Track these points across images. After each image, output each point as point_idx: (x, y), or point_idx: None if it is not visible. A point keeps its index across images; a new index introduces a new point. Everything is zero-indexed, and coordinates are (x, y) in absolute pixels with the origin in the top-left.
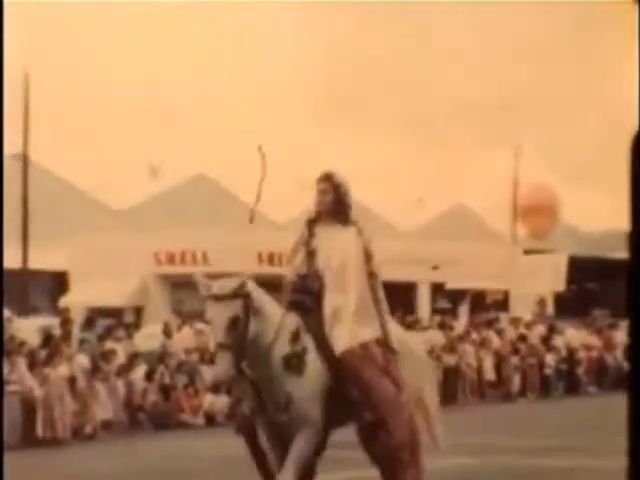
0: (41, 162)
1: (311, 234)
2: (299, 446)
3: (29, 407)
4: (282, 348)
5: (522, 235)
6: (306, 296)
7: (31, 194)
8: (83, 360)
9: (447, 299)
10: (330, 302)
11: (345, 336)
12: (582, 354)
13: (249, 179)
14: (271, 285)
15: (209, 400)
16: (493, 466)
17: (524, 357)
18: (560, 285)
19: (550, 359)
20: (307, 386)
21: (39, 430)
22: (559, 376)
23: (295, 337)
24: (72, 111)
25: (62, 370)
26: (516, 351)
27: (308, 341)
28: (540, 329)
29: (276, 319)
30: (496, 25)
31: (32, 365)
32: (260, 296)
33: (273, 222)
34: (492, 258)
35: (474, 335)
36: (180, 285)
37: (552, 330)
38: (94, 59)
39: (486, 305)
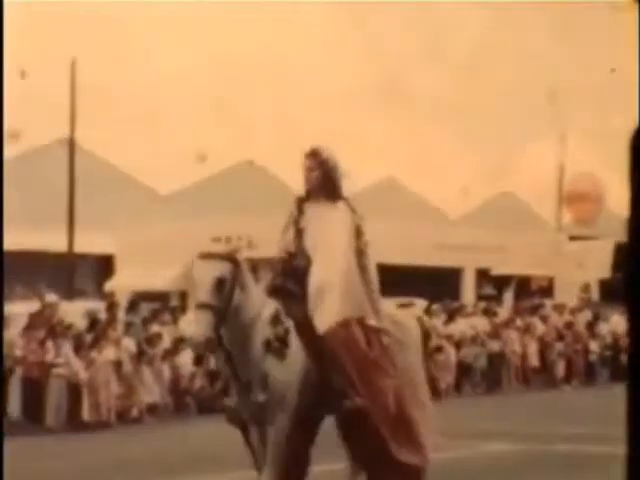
0: (88, 147)
1: (300, 212)
2: (275, 441)
3: (75, 390)
4: (263, 330)
5: (567, 222)
6: (289, 279)
7: (78, 178)
8: (129, 344)
9: (492, 285)
10: (316, 281)
11: (328, 315)
12: (627, 341)
13: (296, 166)
14: None
15: None
16: (537, 453)
17: (569, 343)
18: (606, 272)
19: (595, 346)
20: (287, 369)
21: (85, 414)
22: (604, 363)
23: (275, 320)
24: (119, 96)
25: (108, 354)
26: (561, 337)
27: (290, 323)
28: (585, 315)
29: (258, 300)
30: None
31: (78, 349)
32: (247, 272)
33: None
34: (537, 245)
35: (519, 321)
36: None
37: (597, 317)
38: (141, 44)
39: (531, 291)
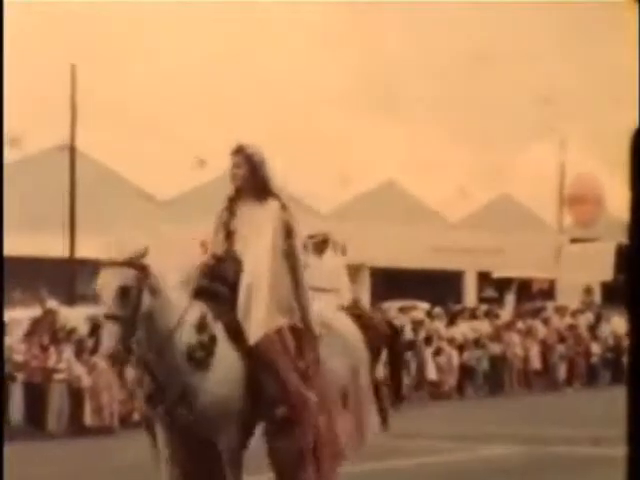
0: (88, 153)
1: (231, 213)
2: (228, 451)
3: (77, 395)
4: (186, 337)
5: (568, 224)
6: (218, 282)
7: (78, 184)
8: None
9: (493, 288)
10: (245, 286)
11: (258, 322)
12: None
13: (295, 169)
14: None
15: None
16: (539, 455)
17: (570, 346)
18: (607, 274)
19: (596, 348)
20: (216, 379)
21: (87, 418)
22: (605, 365)
23: (201, 326)
24: (118, 102)
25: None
26: (562, 340)
27: (218, 331)
28: (586, 318)
29: (180, 305)
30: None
31: (79, 354)
32: (161, 276)
33: (317, 213)
34: (538, 247)
35: (520, 324)
36: None
37: (599, 319)
38: (141, 48)
39: (532, 294)
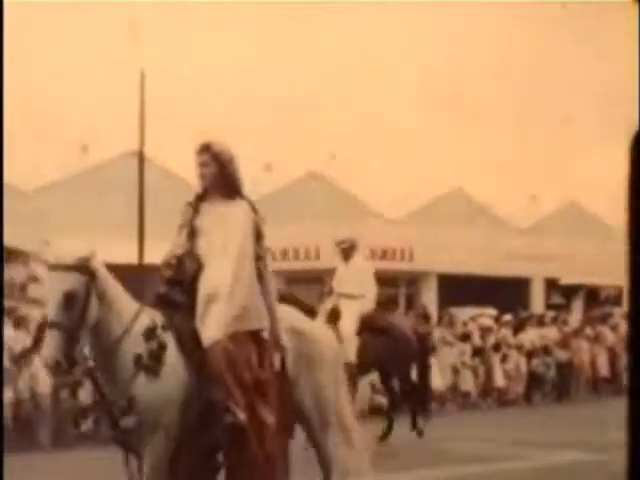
0: (157, 159)
1: (196, 210)
2: (152, 466)
3: None
4: (133, 346)
5: None
6: (175, 287)
7: (147, 191)
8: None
9: (561, 294)
10: (205, 288)
11: (215, 326)
12: None
13: (362, 175)
14: (384, 280)
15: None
16: (609, 462)
17: None
18: None
19: None
20: (160, 388)
21: None
22: None
23: (150, 334)
24: (187, 108)
25: None
26: None
27: (169, 338)
28: None
29: (128, 312)
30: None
31: None
32: (109, 281)
33: (386, 218)
34: (606, 253)
35: (588, 331)
36: (294, 280)
37: None
38: (208, 54)
39: (600, 300)
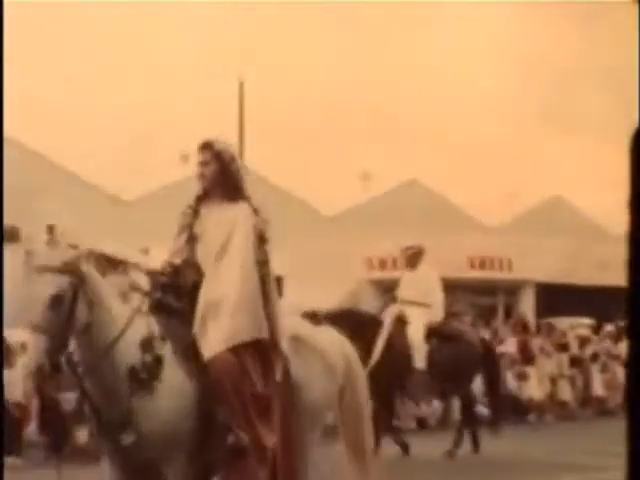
0: (255, 168)
1: (196, 214)
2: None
3: None
4: (128, 356)
5: None
6: (172, 295)
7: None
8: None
9: None
10: (205, 297)
11: (216, 338)
12: None
13: (461, 184)
14: (482, 289)
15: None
16: None
17: None
18: None
19: None
20: (162, 404)
21: None
22: None
23: (146, 344)
24: (284, 117)
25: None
26: None
27: (167, 349)
28: None
29: (121, 317)
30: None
31: None
32: (100, 285)
33: (485, 227)
34: None
35: None
36: (392, 290)
37: None
38: (305, 63)
39: None
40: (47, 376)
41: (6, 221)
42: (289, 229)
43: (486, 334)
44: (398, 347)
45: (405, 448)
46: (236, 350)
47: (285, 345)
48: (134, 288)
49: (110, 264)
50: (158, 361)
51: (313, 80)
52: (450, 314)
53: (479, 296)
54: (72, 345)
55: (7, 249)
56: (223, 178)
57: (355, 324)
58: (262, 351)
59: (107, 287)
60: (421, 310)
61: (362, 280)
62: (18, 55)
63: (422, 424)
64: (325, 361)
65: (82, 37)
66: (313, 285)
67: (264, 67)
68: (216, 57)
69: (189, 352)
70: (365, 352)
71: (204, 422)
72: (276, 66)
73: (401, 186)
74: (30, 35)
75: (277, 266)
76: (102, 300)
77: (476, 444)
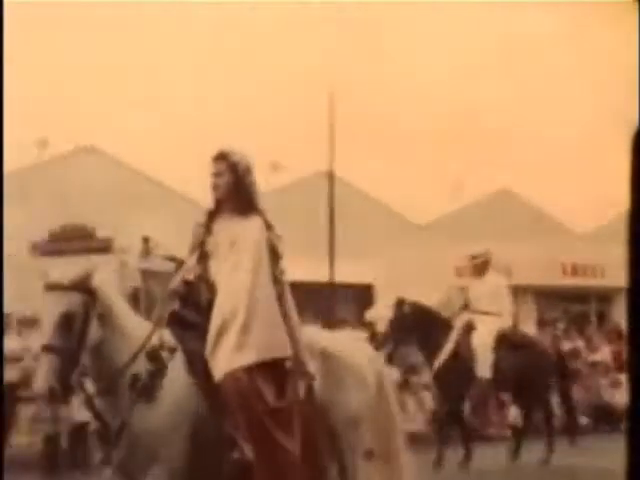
0: (346, 178)
1: (208, 230)
2: None
3: None
4: (135, 367)
5: None
6: (190, 308)
7: (337, 209)
8: (392, 373)
9: None
10: (217, 315)
11: (227, 357)
12: None
13: (552, 191)
14: (575, 297)
15: (513, 413)
16: None
17: None
18: None
19: None
20: (160, 414)
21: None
22: None
23: (153, 354)
24: (375, 127)
25: None
26: None
27: (175, 361)
28: None
29: (137, 334)
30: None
31: None
32: (113, 301)
33: (577, 234)
34: None
35: None
36: None
37: None
38: (396, 74)
39: None
40: (59, 398)
41: (101, 233)
42: (380, 238)
43: (579, 342)
44: (463, 354)
45: (468, 457)
46: (250, 370)
47: (309, 361)
48: None
49: None
50: (161, 369)
51: (404, 90)
52: (543, 321)
53: (571, 303)
54: (84, 365)
55: (100, 259)
56: (237, 190)
57: (426, 323)
58: (278, 370)
59: (121, 302)
60: (490, 318)
61: (453, 288)
62: (120, 78)
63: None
64: (351, 374)
65: (176, 56)
66: (404, 293)
67: (354, 77)
68: (306, 68)
69: (202, 367)
70: (431, 353)
71: (198, 442)
72: (366, 75)
73: (493, 194)
74: (123, 55)
75: (368, 274)
76: (115, 316)
77: (549, 453)
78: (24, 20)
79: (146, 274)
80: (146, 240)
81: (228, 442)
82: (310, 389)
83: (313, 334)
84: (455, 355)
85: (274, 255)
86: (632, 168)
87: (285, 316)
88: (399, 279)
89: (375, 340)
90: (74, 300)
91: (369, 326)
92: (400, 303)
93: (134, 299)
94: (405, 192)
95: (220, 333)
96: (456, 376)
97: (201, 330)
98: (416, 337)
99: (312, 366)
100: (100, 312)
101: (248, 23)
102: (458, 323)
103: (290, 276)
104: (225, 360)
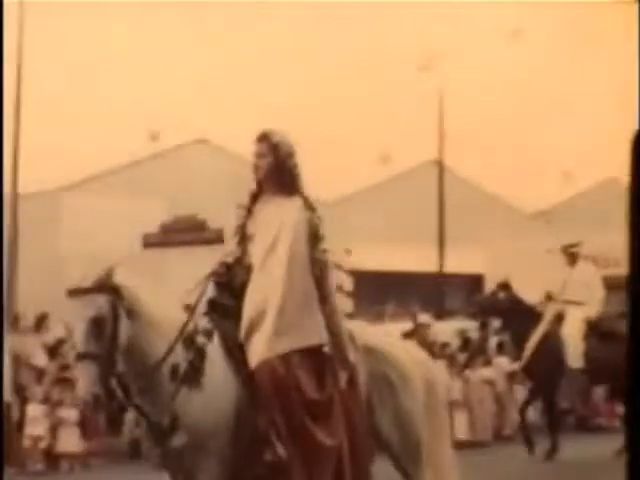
0: (456, 168)
1: (250, 212)
2: None
3: (448, 409)
4: (173, 357)
5: None
6: (227, 293)
7: (447, 199)
8: (503, 363)
9: None
10: (252, 299)
11: (262, 344)
12: None
13: None
14: None
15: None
16: None
17: None
18: None
19: None
20: (205, 401)
21: (460, 432)
22: None
23: (189, 341)
24: (484, 116)
25: (482, 372)
26: None
27: (215, 348)
28: None
29: (171, 325)
30: None
31: (452, 367)
32: (140, 294)
33: None
34: None
35: None
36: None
37: None
38: (503, 65)
39: None
40: (104, 403)
41: (213, 224)
42: (491, 228)
43: None
44: (553, 344)
45: (555, 448)
46: (286, 358)
47: (350, 349)
48: (338, 289)
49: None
50: (201, 355)
51: (511, 84)
52: None
53: None
54: (121, 364)
55: (211, 249)
56: (278, 172)
57: (513, 313)
58: (320, 357)
59: (148, 295)
60: (580, 308)
61: (563, 278)
62: (229, 73)
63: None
64: (397, 373)
65: (284, 54)
66: (514, 283)
67: (462, 69)
68: (415, 60)
69: (238, 355)
70: (519, 343)
71: (242, 432)
72: (475, 67)
73: (601, 184)
74: (230, 52)
75: (478, 265)
76: (145, 310)
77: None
78: (139, 19)
79: None
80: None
81: (262, 440)
82: (353, 380)
83: (354, 327)
84: (545, 345)
85: (315, 237)
86: (631, 168)
87: (325, 301)
88: (509, 268)
89: (484, 330)
90: (100, 302)
91: (479, 315)
92: (498, 289)
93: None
94: (514, 181)
95: (254, 318)
96: (547, 366)
97: (237, 315)
98: (506, 325)
99: (353, 356)
100: (129, 308)
101: (368, 21)
102: (547, 313)
103: (400, 266)
104: (259, 347)
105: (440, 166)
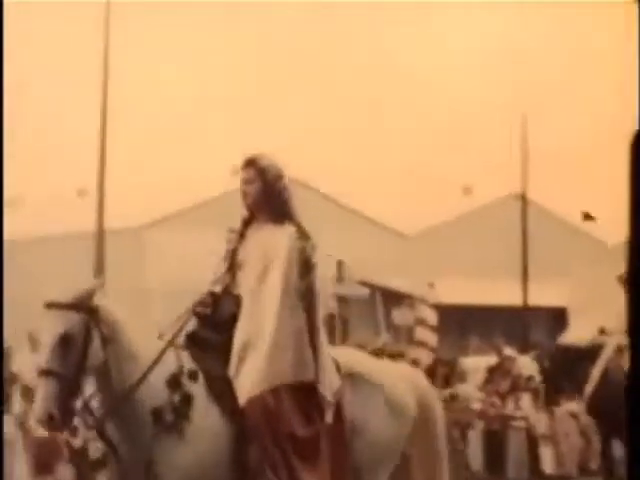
0: (539, 201)
1: (241, 240)
2: None
3: (535, 443)
4: (153, 396)
5: None
6: (209, 327)
7: (530, 232)
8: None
9: None
10: (242, 332)
11: (253, 379)
12: None
13: None
14: None
15: None
16: None
17: None
18: None
19: None
20: (191, 450)
21: (546, 466)
22: None
23: (174, 382)
24: (566, 149)
25: (567, 406)
26: None
27: (197, 388)
28: None
29: (147, 354)
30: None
31: (537, 401)
32: (118, 320)
33: None
34: None
35: None
36: None
37: None
38: (587, 97)
39: None
40: (58, 424)
41: None
42: (576, 260)
43: None
44: (615, 379)
45: None
46: (275, 392)
47: (331, 384)
48: (420, 321)
49: (395, 298)
50: (187, 400)
51: (593, 114)
52: None
53: None
54: (89, 388)
55: None
56: (267, 197)
57: (563, 360)
58: (306, 392)
59: (128, 321)
60: None
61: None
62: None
63: None
64: (390, 399)
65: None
66: (597, 317)
67: (546, 101)
68: (498, 92)
69: (224, 392)
70: (578, 387)
71: (236, 470)
72: (558, 99)
73: None
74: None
75: (562, 296)
76: (121, 335)
77: None
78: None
79: (341, 300)
80: (339, 264)
81: (255, 473)
82: (339, 414)
83: (342, 356)
84: (606, 381)
85: (305, 266)
86: (631, 168)
87: (313, 333)
88: (592, 301)
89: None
90: (73, 320)
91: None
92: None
93: (329, 326)
94: (595, 210)
95: (244, 351)
96: (609, 404)
97: (222, 351)
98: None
99: (338, 389)
100: (104, 332)
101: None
102: (606, 348)
103: (483, 299)
104: (250, 382)
105: (523, 198)
